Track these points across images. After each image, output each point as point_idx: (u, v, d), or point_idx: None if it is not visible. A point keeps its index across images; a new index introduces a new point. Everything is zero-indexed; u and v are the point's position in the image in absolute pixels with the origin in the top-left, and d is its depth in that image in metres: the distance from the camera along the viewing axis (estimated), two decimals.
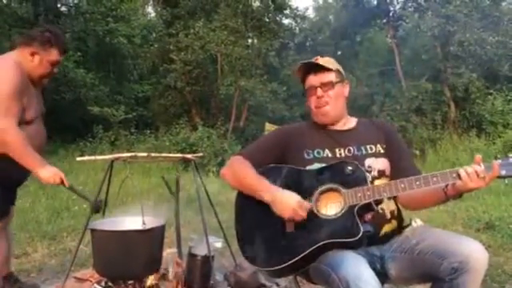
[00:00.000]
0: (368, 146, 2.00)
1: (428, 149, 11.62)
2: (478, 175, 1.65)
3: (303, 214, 1.78)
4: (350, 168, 1.85)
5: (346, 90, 2.08)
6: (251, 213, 1.97)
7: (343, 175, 1.84)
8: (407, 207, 2.00)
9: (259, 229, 1.92)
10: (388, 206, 1.93)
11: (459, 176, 1.67)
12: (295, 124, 2.22)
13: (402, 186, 1.76)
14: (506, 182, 1.70)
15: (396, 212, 1.97)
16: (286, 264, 1.80)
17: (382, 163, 1.97)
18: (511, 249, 4.12)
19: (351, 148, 1.98)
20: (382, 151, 2.00)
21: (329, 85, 2.00)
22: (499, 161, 1.68)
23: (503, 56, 13.36)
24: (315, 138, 2.04)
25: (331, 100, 2.01)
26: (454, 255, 1.65)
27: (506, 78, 13.40)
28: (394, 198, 1.96)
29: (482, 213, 5.25)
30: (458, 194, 1.75)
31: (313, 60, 2.03)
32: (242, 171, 1.99)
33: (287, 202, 1.80)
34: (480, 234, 4.59)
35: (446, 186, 1.74)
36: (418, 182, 1.73)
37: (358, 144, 1.99)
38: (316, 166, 1.94)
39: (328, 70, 2.01)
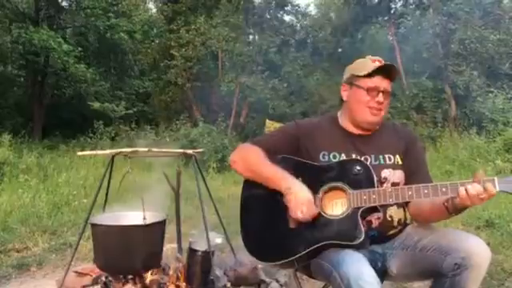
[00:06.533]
0: (387, 156, 1.94)
1: (428, 146, 11.61)
2: (478, 196, 1.60)
3: (308, 218, 1.76)
4: (358, 168, 1.82)
5: None
6: (256, 205, 1.96)
7: (351, 174, 1.82)
8: (416, 219, 1.92)
9: (262, 221, 1.92)
10: (397, 214, 1.90)
11: (458, 194, 1.62)
12: (316, 119, 2.11)
13: (410, 193, 1.71)
14: None
15: (403, 220, 1.94)
16: (285, 260, 1.81)
17: (398, 176, 1.91)
18: (510, 246, 4.12)
19: (368, 157, 1.91)
20: (400, 163, 1.94)
21: (388, 94, 1.94)
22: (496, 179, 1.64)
23: (504, 54, 13.33)
24: (334, 139, 1.97)
25: (385, 109, 1.94)
26: (457, 251, 1.66)
27: (507, 75, 13.37)
28: (404, 207, 1.92)
29: (481, 211, 5.24)
30: (458, 210, 1.69)
31: (394, 65, 1.94)
32: (254, 158, 1.93)
33: (301, 199, 1.76)
34: (480, 231, 4.60)
35: (447, 201, 1.69)
36: (426, 191, 1.69)
37: (377, 153, 1.93)
38: None
39: (391, 79, 1.95)
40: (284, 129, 2.13)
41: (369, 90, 1.91)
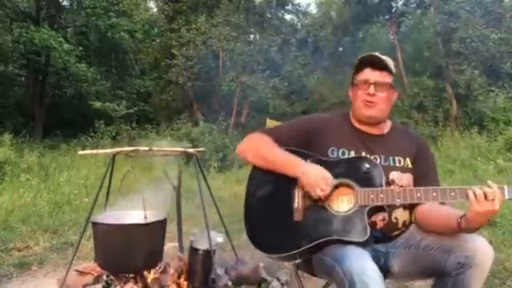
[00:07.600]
0: (397, 158, 1.93)
1: (430, 146, 11.58)
2: (485, 197, 1.57)
3: (327, 190, 1.76)
4: (367, 166, 1.82)
5: (394, 96, 2.02)
6: (262, 196, 1.95)
7: (359, 172, 1.82)
8: (422, 225, 1.87)
9: (267, 214, 1.91)
10: (402, 216, 1.89)
11: (467, 196, 1.60)
12: (327, 114, 2.12)
13: (418, 194, 1.71)
14: None
15: (408, 222, 1.92)
16: (288, 254, 1.81)
17: (406, 179, 1.89)
18: None
19: (378, 157, 1.90)
20: (410, 166, 1.93)
21: (383, 86, 1.93)
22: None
23: (506, 53, 13.29)
24: (345, 136, 1.97)
25: (381, 102, 1.93)
26: (461, 250, 1.65)
27: (508, 75, 13.33)
28: (410, 210, 1.90)
29: None
30: (471, 228, 1.65)
31: (377, 55, 1.94)
32: (264, 145, 1.94)
33: (315, 177, 1.77)
34: (481, 230, 4.54)
35: (461, 217, 1.65)
36: (434, 194, 1.69)
37: (387, 154, 1.92)
38: None
39: (387, 70, 1.94)
40: (293, 123, 2.12)
41: (359, 84, 1.95)
